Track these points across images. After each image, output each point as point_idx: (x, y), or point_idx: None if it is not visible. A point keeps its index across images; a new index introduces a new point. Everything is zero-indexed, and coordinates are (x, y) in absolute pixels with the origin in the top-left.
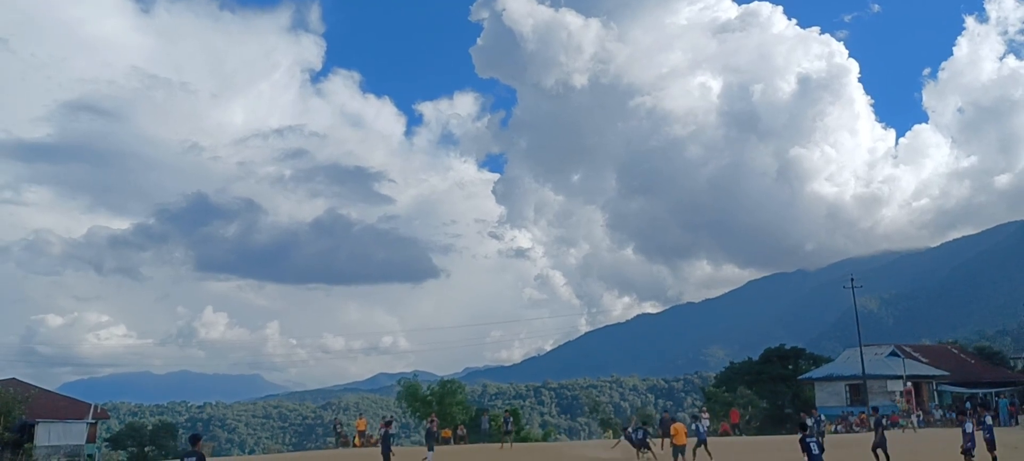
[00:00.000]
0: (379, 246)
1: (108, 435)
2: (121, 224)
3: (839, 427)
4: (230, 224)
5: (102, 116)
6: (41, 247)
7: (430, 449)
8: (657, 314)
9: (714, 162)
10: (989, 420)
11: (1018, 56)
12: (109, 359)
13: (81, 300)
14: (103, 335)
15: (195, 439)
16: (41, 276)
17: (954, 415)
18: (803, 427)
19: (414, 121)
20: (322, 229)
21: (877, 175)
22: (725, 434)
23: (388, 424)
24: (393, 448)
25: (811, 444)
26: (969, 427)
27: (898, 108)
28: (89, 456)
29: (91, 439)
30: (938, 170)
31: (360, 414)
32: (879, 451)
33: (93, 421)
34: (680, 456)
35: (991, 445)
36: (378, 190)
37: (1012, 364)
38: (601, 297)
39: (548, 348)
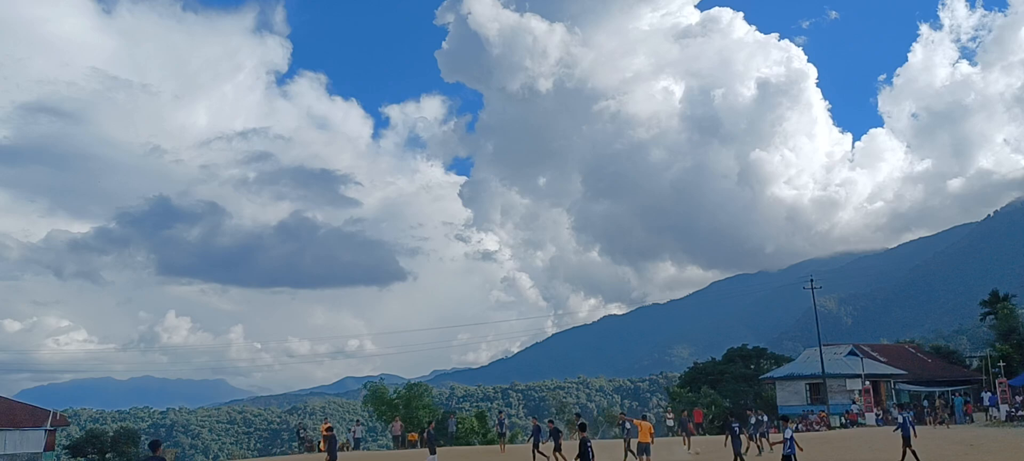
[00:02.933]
0: (345, 249)
1: (68, 443)
2: (81, 228)
3: (799, 425)
4: (193, 227)
5: (62, 118)
6: None
7: (432, 452)
8: (623, 315)
9: (677, 165)
10: (906, 417)
11: (970, 62)
12: (69, 365)
13: (40, 305)
14: (63, 340)
15: (156, 445)
16: None
17: (912, 414)
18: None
19: (381, 124)
20: (287, 232)
21: (834, 178)
22: (690, 434)
23: (330, 428)
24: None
25: (735, 426)
26: (900, 417)
27: (854, 113)
28: None
29: (50, 447)
30: (893, 174)
31: (325, 418)
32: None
33: (52, 428)
34: (645, 455)
35: (907, 441)
36: (344, 193)
37: (967, 363)
38: (567, 299)
39: (515, 350)
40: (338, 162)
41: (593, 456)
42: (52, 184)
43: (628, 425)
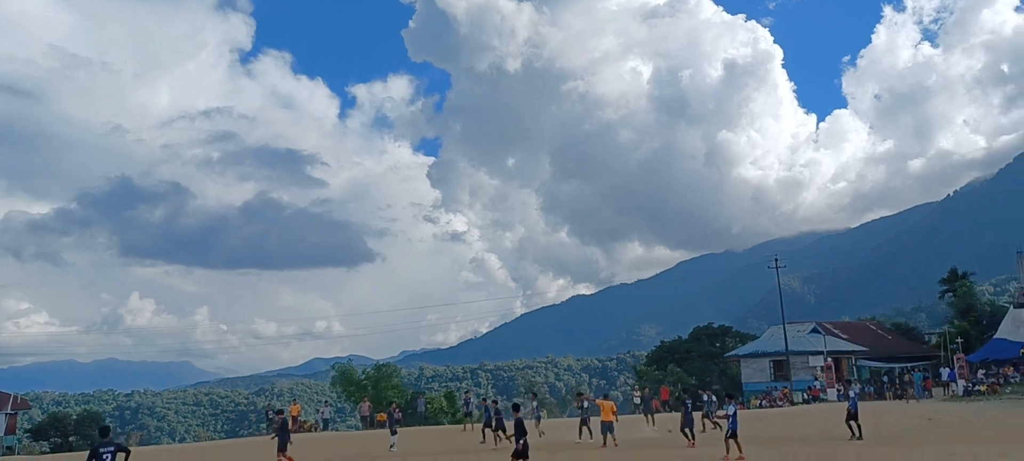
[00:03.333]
0: (312, 230)
1: (30, 426)
2: (41, 208)
3: (763, 402)
4: (156, 208)
5: (20, 97)
6: None
7: (393, 433)
8: (591, 295)
9: (645, 146)
10: (855, 393)
11: (933, 44)
12: (30, 348)
13: None
14: (23, 323)
15: (105, 430)
16: None
17: (872, 389)
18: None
19: (347, 103)
20: (252, 213)
21: (799, 159)
22: (656, 411)
23: (280, 412)
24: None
25: (688, 403)
26: (852, 392)
27: (819, 94)
28: (8, 448)
29: (11, 430)
30: (856, 154)
31: (293, 399)
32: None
33: (12, 412)
34: (609, 433)
35: (851, 415)
36: (310, 173)
37: (927, 339)
38: (536, 279)
39: (484, 330)
40: (304, 142)
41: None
42: (10, 164)
43: (586, 404)
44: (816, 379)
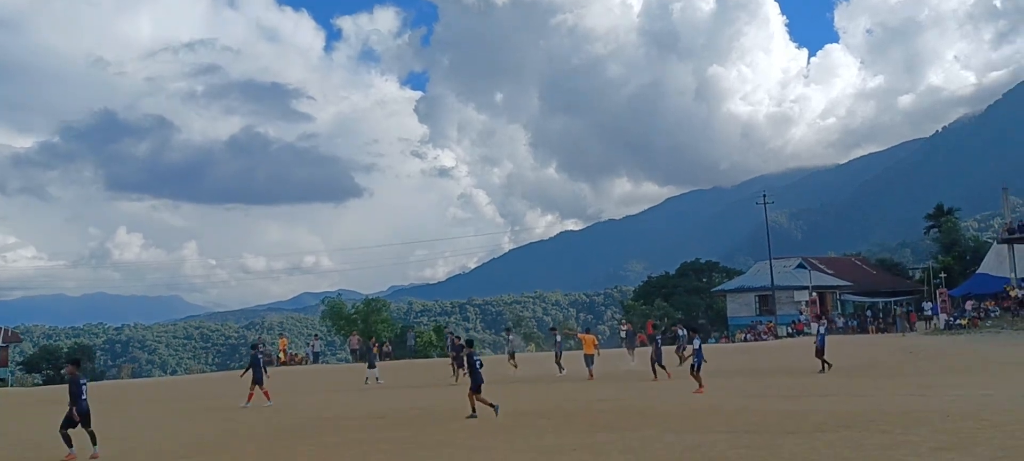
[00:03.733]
0: (299, 165)
1: (21, 359)
2: (24, 142)
3: (748, 336)
4: (141, 142)
5: None
6: None
7: (371, 367)
8: (579, 231)
9: (635, 80)
10: (822, 329)
11: None
12: (18, 282)
13: None
14: (11, 257)
15: (76, 363)
16: None
17: (856, 323)
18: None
19: (333, 36)
20: (238, 147)
21: (789, 94)
22: (642, 344)
23: (255, 346)
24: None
25: (658, 339)
26: (822, 328)
27: (811, 28)
28: (1, 380)
29: (3, 363)
30: (846, 90)
31: (282, 333)
32: (656, 364)
33: (4, 345)
34: (590, 366)
35: (819, 351)
36: (296, 108)
37: (911, 274)
38: (524, 215)
39: (472, 266)
40: (289, 76)
41: (481, 367)
42: None
43: (559, 338)
44: (801, 313)
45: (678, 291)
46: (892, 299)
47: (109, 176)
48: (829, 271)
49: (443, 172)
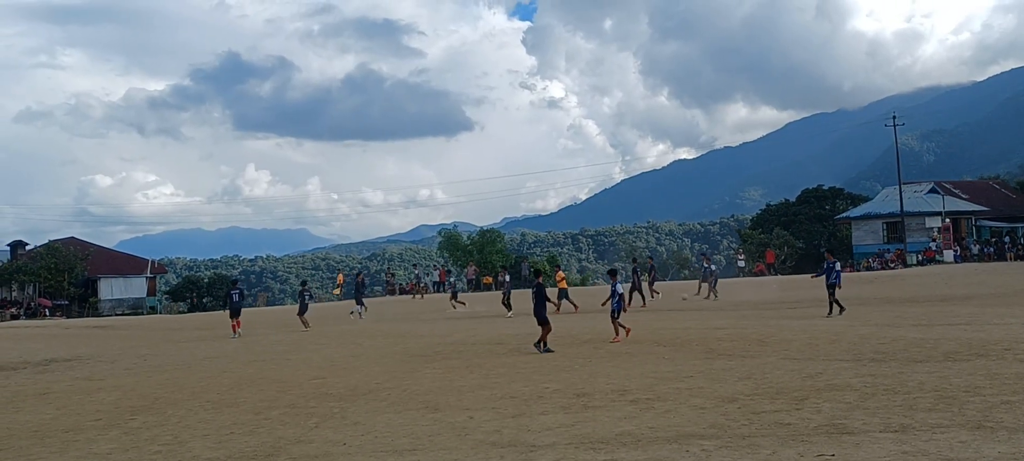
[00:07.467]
0: (412, 100)
1: (167, 289)
2: (157, 85)
3: (875, 264)
4: (264, 82)
5: None
6: (83, 110)
7: (359, 303)
8: (693, 159)
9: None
10: (838, 266)
11: None
12: (160, 217)
13: (127, 161)
14: (152, 194)
15: (234, 282)
16: (86, 139)
17: (992, 249)
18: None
19: None
20: (354, 85)
21: (919, 9)
22: (760, 274)
23: (304, 284)
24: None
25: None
26: (838, 265)
27: None
28: (151, 308)
29: (151, 292)
30: (982, 2)
31: (404, 264)
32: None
33: (152, 275)
34: (565, 300)
35: (832, 291)
36: (408, 44)
37: None
38: (635, 145)
39: (583, 197)
40: (400, 11)
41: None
42: (125, 42)
43: (714, 268)
44: (932, 240)
45: (799, 219)
46: None
47: (236, 116)
48: (964, 196)
49: (552, 103)
